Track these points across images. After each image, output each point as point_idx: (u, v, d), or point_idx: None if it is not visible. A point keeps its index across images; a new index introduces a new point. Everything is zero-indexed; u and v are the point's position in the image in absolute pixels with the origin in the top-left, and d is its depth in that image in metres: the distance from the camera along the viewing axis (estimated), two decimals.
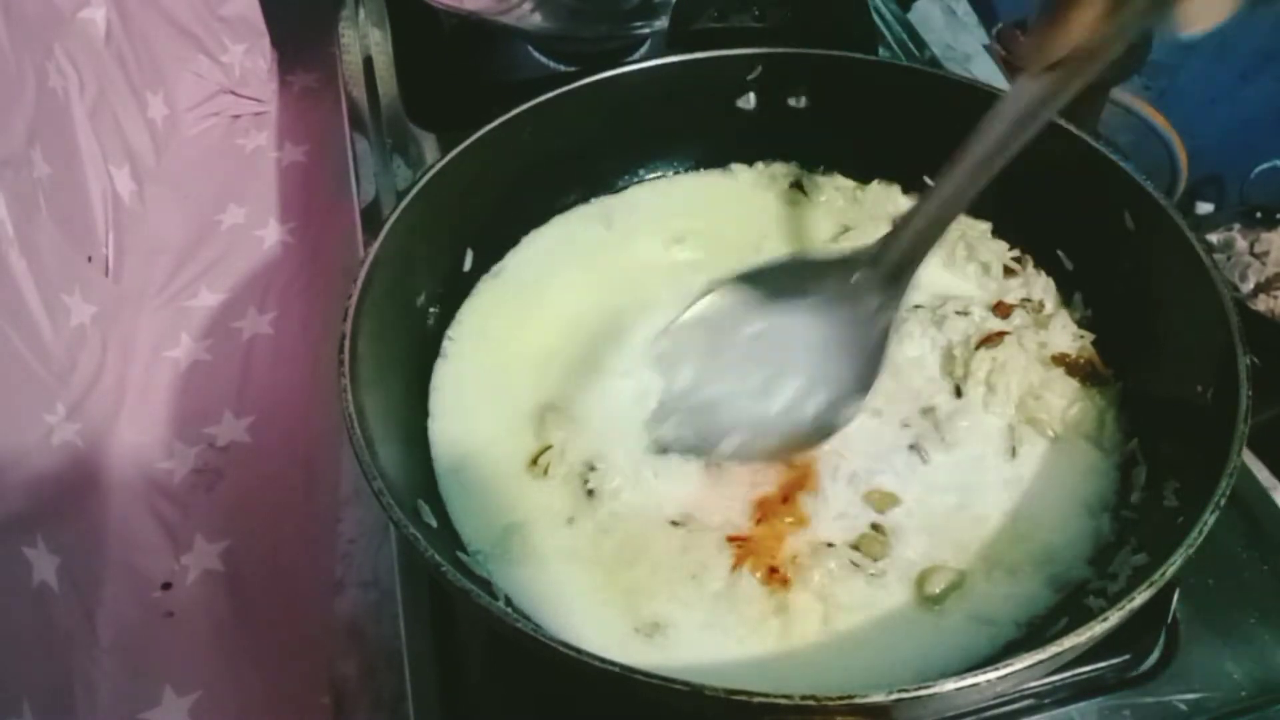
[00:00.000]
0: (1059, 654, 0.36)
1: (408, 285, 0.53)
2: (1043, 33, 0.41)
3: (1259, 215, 0.85)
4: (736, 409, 0.50)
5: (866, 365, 0.49)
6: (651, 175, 0.64)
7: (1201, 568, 0.50)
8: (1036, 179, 0.57)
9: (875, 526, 0.48)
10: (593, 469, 0.50)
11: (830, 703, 0.34)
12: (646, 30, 0.78)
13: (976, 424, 0.52)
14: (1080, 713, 0.46)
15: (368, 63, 0.82)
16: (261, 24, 1.00)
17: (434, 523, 0.46)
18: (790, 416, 0.49)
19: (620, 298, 0.57)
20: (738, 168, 0.65)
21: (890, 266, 0.49)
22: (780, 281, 0.51)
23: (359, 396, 0.44)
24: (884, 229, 0.60)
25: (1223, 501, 0.39)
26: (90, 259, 0.78)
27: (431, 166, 0.53)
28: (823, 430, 0.49)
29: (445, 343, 0.55)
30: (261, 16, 0.99)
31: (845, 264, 0.50)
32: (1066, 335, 0.54)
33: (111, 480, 0.71)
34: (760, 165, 0.65)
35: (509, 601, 0.44)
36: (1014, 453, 0.50)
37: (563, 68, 0.79)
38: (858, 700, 0.34)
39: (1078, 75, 0.42)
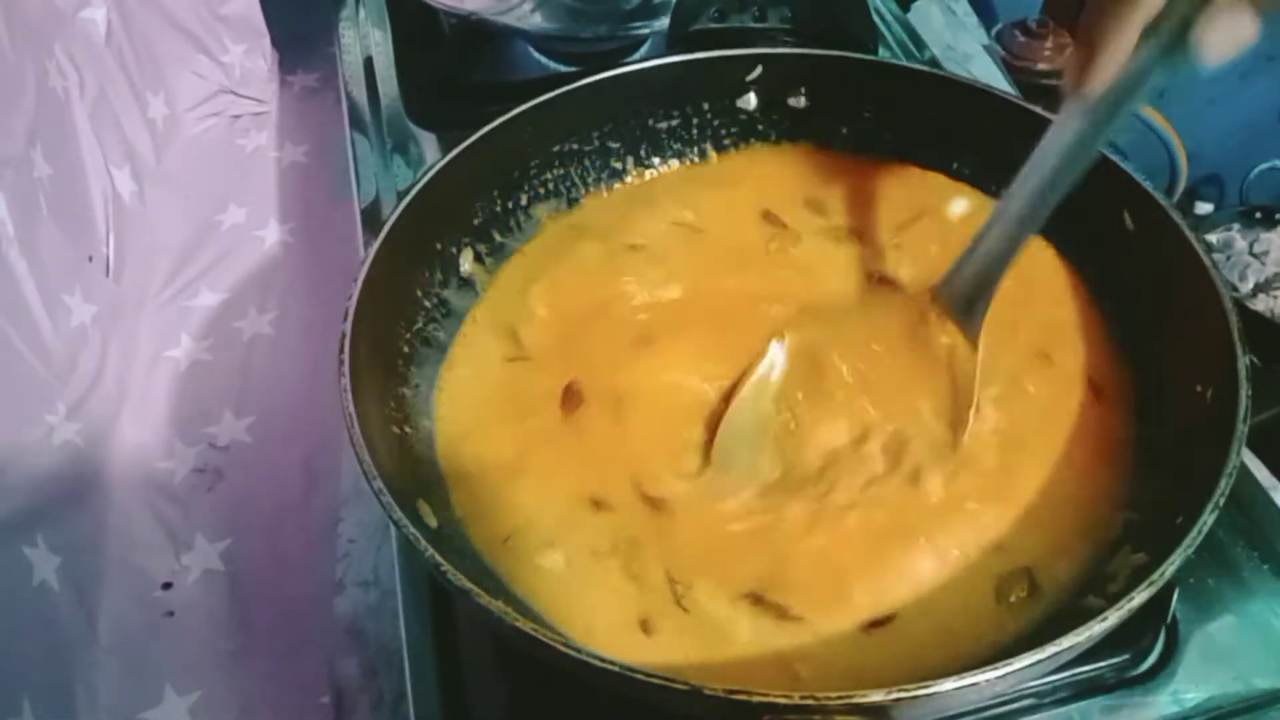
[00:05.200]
0: (1058, 653, 0.36)
1: (408, 285, 0.53)
2: (1077, 65, 0.42)
3: (1258, 215, 0.85)
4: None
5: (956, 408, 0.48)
6: (652, 175, 0.64)
7: (1201, 567, 0.50)
8: None
9: None
10: None
11: (829, 702, 0.34)
12: (646, 30, 0.78)
13: None
14: (1080, 712, 0.46)
15: (368, 63, 0.82)
16: (262, 24, 1.00)
17: (434, 522, 0.46)
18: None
19: None
20: None
21: (960, 300, 0.49)
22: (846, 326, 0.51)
23: (359, 396, 0.44)
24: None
25: (1222, 501, 0.39)
26: (91, 259, 0.78)
27: (432, 166, 0.53)
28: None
29: (446, 341, 0.55)
30: (262, 16, 0.99)
31: (912, 301, 0.50)
32: None
33: (112, 480, 0.71)
34: None
35: (509, 600, 0.44)
36: None
37: (563, 68, 0.79)
38: (856, 699, 0.34)
39: (1118, 106, 0.42)
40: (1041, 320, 0.53)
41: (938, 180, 0.60)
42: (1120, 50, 0.40)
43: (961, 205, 0.58)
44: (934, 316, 0.50)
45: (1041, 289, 0.55)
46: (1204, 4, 0.39)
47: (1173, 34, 0.40)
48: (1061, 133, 0.45)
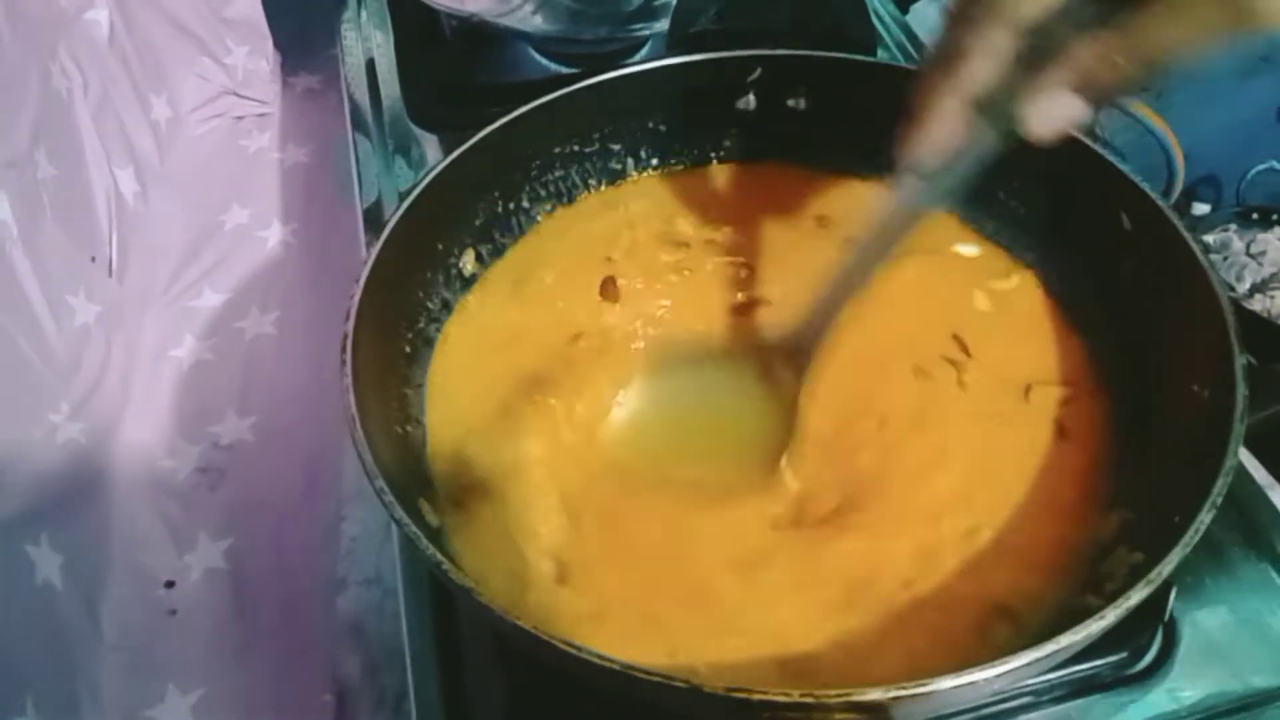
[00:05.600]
0: (1056, 652, 0.36)
1: (410, 285, 0.54)
2: (906, 138, 0.42)
3: (1255, 216, 0.85)
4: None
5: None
6: (652, 176, 0.65)
7: (1198, 566, 0.51)
8: (1033, 181, 0.57)
9: None
10: None
11: (829, 700, 0.34)
12: (647, 32, 0.78)
13: None
14: (1078, 710, 0.46)
15: (370, 64, 0.82)
16: (264, 26, 1.00)
17: (436, 521, 0.46)
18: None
19: None
20: None
21: (795, 349, 0.50)
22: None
23: (361, 396, 0.44)
24: None
25: (1219, 500, 0.39)
26: (94, 259, 0.78)
27: (433, 167, 0.53)
28: None
29: (447, 341, 0.56)
30: (264, 18, 1.00)
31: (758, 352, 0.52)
32: None
33: (115, 479, 0.71)
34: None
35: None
36: None
37: (564, 69, 0.79)
38: (855, 698, 0.34)
39: (953, 176, 0.43)
40: (1021, 357, 0.53)
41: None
42: (947, 127, 0.41)
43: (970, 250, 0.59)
44: (777, 364, 0.51)
45: (1026, 326, 0.55)
46: (1025, 89, 0.39)
47: (1003, 114, 0.40)
48: (896, 206, 0.45)
